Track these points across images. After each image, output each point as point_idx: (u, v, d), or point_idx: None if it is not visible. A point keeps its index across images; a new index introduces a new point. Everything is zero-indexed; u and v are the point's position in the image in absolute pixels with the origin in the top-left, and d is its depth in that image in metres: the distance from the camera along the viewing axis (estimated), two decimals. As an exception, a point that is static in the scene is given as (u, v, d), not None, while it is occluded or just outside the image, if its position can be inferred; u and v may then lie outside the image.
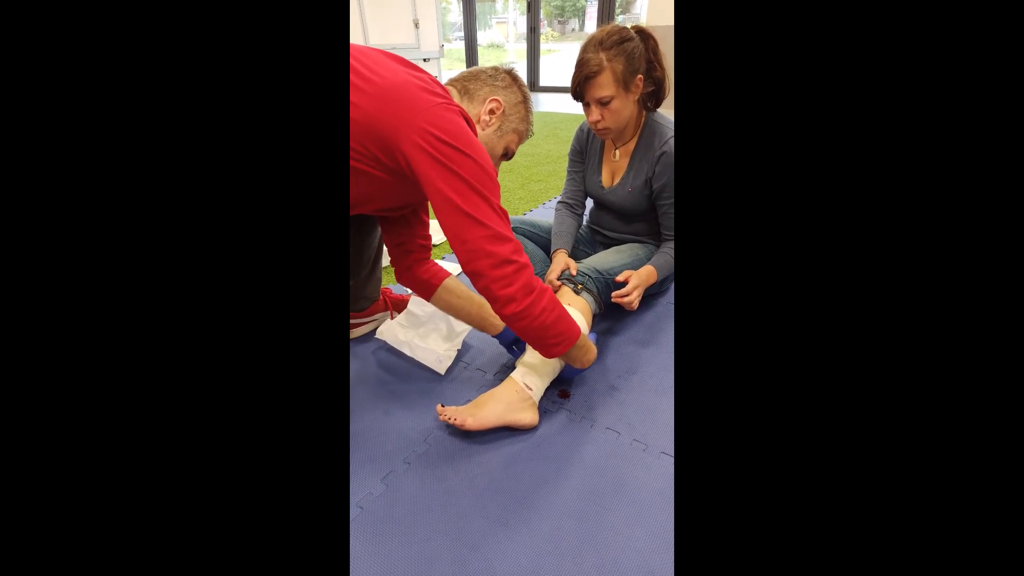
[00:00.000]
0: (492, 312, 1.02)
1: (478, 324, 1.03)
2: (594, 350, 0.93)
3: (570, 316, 0.83)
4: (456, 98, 0.86)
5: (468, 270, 0.74)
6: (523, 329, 0.78)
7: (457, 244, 0.73)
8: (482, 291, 0.75)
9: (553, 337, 0.80)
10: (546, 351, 0.82)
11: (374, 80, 0.71)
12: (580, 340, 0.86)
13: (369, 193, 0.78)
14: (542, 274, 1.29)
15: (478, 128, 0.86)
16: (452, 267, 1.49)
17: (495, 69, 0.90)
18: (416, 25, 4.17)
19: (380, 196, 0.81)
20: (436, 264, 1.04)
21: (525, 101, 0.90)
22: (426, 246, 1.03)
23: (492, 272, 0.73)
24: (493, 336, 1.04)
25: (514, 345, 1.04)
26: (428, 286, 1.02)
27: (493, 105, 0.86)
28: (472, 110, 0.86)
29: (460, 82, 0.88)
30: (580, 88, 1.03)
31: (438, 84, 0.79)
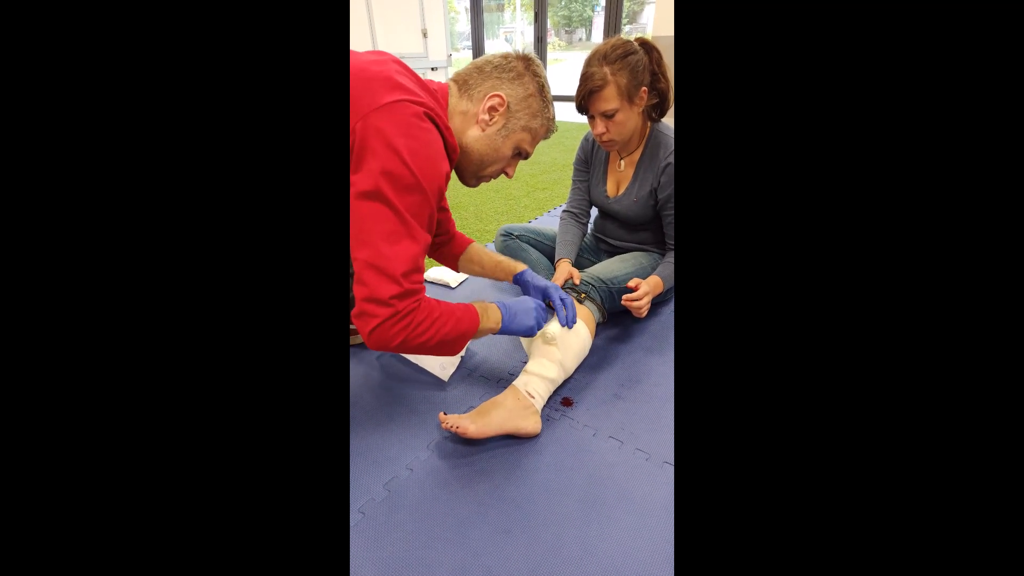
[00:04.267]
0: (505, 269, 1.05)
1: (500, 278, 1.07)
2: (495, 312, 0.86)
3: (455, 320, 0.76)
4: (454, 95, 0.79)
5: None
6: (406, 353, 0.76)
7: (352, 255, 0.68)
8: (352, 315, 0.70)
9: (440, 351, 0.77)
10: (444, 356, 0.80)
11: None
12: (482, 325, 0.82)
13: None
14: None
15: (477, 129, 0.79)
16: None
17: (505, 57, 0.79)
18: (424, 34, 4.22)
19: None
20: (460, 235, 1.07)
21: (539, 93, 0.79)
22: (450, 231, 1.06)
23: (361, 304, 0.68)
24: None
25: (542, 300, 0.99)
26: (455, 258, 1.07)
27: (494, 102, 0.77)
28: (471, 109, 0.78)
29: (462, 76, 0.80)
30: (584, 102, 1.04)
31: (415, 80, 0.74)
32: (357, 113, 0.66)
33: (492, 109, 0.78)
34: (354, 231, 0.67)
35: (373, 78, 0.68)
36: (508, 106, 0.78)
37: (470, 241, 1.06)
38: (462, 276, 1.46)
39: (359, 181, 0.66)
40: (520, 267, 1.05)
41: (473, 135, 0.79)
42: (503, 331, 0.87)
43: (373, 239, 0.66)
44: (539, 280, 1.01)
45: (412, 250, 0.68)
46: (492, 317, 0.86)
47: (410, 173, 0.66)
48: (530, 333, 0.90)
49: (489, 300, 0.89)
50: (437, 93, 0.77)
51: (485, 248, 1.08)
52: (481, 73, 0.79)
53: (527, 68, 0.79)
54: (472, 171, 0.84)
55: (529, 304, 0.90)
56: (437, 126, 0.73)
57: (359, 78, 0.68)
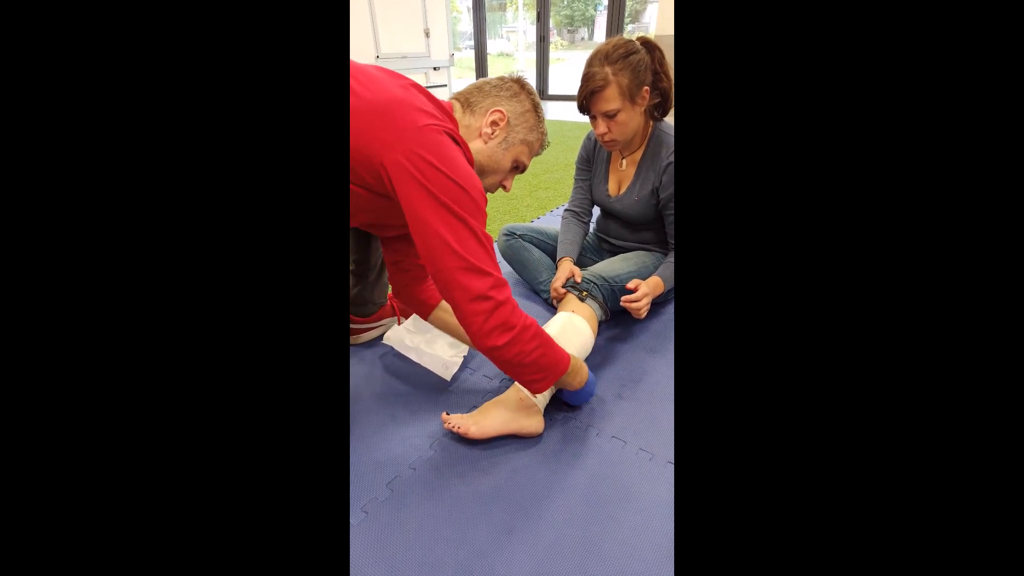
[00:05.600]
0: None
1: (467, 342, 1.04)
2: (585, 371, 0.90)
3: (556, 351, 0.80)
4: (458, 112, 0.85)
5: (445, 298, 0.74)
6: (499, 364, 0.77)
7: (432, 271, 0.72)
8: (459, 320, 0.74)
9: (531, 374, 0.79)
10: (527, 386, 0.81)
11: (364, 95, 0.71)
12: (570, 369, 0.83)
13: (354, 207, 0.78)
14: (548, 280, 1.30)
15: (479, 142, 0.83)
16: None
17: (501, 79, 0.86)
18: (427, 34, 4.23)
19: (364, 210, 0.80)
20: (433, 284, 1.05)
21: (534, 110, 0.86)
22: (424, 266, 1.02)
23: (466, 306, 0.72)
24: None
25: None
26: (425, 306, 1.03)
27: (495, 116, 0.83)
28: (474, 123, 0.84)
29: (464, 95, 0.86)
30: (586, 102, 1.04)
31: (432, 102, 0.78)
32: (391, 136, 0.70)
33: (494, 123, 0.83)
34: (430, 247, 0.71)
35: (403, 105, 0.72)
36: (508, 120, 0.84)
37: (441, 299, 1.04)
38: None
39: (417, 204, 0.70)
40: None
41: (475, 147, 0.83)
42: (574, 389, 0.90)
43: (453, 247, 0.70)
44: None
45: (488, 252, 0.74)
46: (580, 371, 0.88)
47: (458, 187, 0.71)
48: (575, 403, 0.94)
49: None
50: (448, 110, 0.82)
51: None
52: (481, 91, 0.85)
53: (522, 88, 0.86)
54: None
55: (593, 390, 0.94)
56: (459, 145, 0.78)
57: (390, 107, 0.72)
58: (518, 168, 0.89)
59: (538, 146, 0.89)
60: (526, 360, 0.75)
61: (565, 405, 0.97)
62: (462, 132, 0.83)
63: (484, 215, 0.76)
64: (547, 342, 0.78)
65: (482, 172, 0.85)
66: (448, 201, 0.70)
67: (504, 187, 0.91)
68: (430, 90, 0.81)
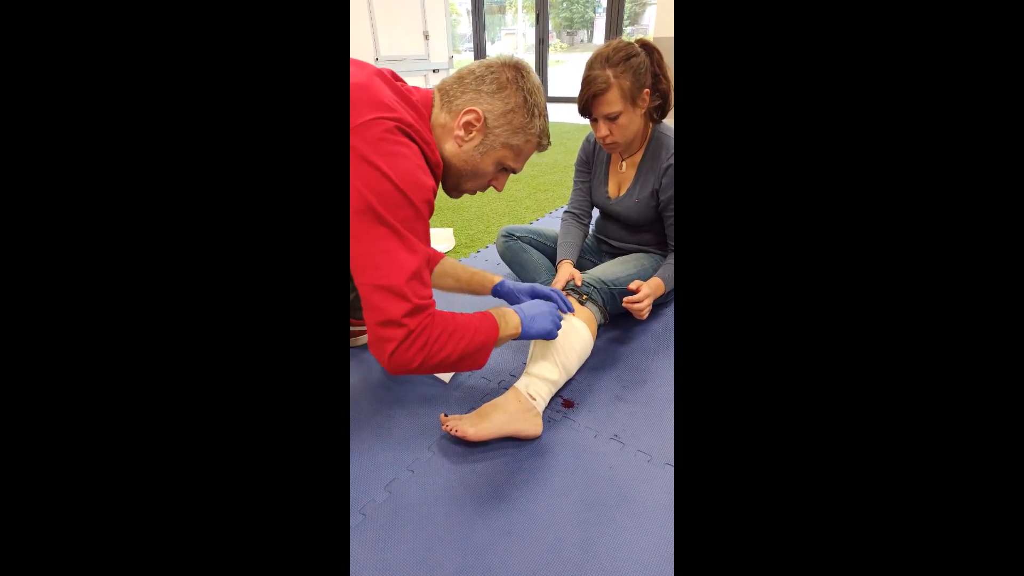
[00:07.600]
0: (482, 277, 1.04)
1: (476, 291, 1.05)
2: (514, 318, 0.83)
3: (472, 335, 0.73)
4: (436, 106, 0.76)
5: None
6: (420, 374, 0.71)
7: (355, 282, 0.65)
8: (369, 341, 0.68)
9: (461, 368, 0.75)
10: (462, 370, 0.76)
11: None
12: (502, 333, 0.78)
13: None
14: (547, 282, 1.30)
15: (453, 144, 0.75)
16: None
17: (489, 67, 0.74)
18: (426, 37, 4.24)
19: None
20: (433, 250, 0.98)
21: (523, 107, 0.74)
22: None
23: (376, 330, 0.65)
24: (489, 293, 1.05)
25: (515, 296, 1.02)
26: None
27: (469, 118, 0.72)
28: (449, 122, 0.75)
29: (446, 86, 0.76)
30: (588, 105, 1.04)
31: (396, 92, 0.71)
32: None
33: (468, 125, 0.73)
34: (352, 254, 0.64)
35: (357, 93, 0.65)
36: (485, 122, 0.73)
37: (442, 256, 1.00)
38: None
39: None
40: (497, 278, 1.04)
41: (450, 149, 0.76)
42: (523, 337, 0.85)
43: (373, 259, 0.63)
44: (520, 284, 1.03)
45: (414, 264, 0.66)
46: (511, 323, 0.82)
47: (395, 189, 0.64)
48: (550, 336, 0.88)
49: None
50: (419, 104, 0.74)
51: (458, 262, 1.05)
52: (461, 84, 0.74)
53: (510, 80, 0.73)
54: (452, 184, 0.81)
55: (545, 307, 0.88)
56: (416, 141, 0.69)
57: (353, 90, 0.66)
58: (506, 171, 0.81)
59: (530, 148, 0.79)
60: (451, 359, 0.71)
61: (563, 406, 0.97)
62: (437, 131, 0.76)
63: (423, 221, 0.68)
64: (457, 332, 0.71)
65: (460, 175, 0.79)
66: (376, 205, 0.62)
67: (495, 187, 0.84)
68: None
